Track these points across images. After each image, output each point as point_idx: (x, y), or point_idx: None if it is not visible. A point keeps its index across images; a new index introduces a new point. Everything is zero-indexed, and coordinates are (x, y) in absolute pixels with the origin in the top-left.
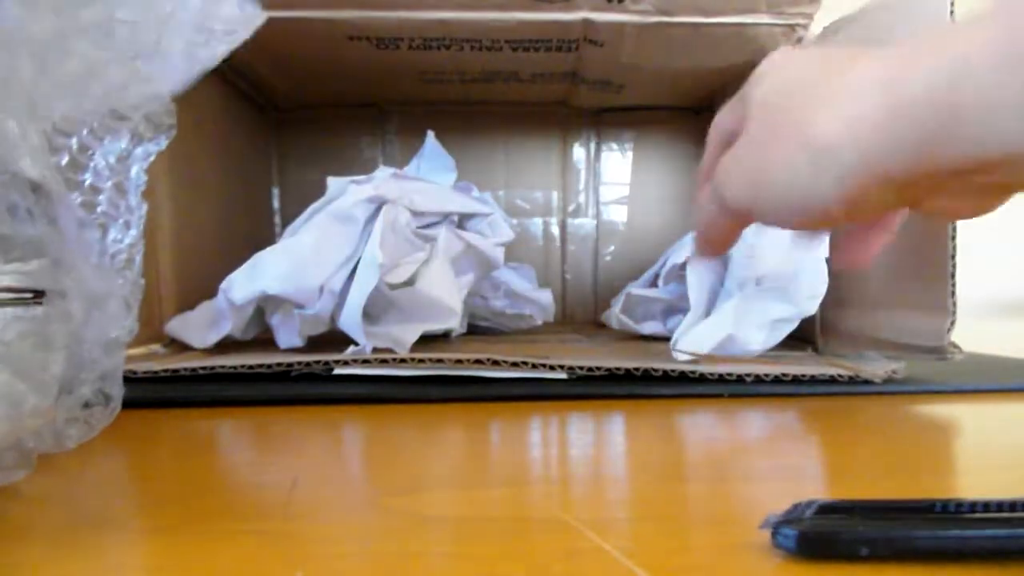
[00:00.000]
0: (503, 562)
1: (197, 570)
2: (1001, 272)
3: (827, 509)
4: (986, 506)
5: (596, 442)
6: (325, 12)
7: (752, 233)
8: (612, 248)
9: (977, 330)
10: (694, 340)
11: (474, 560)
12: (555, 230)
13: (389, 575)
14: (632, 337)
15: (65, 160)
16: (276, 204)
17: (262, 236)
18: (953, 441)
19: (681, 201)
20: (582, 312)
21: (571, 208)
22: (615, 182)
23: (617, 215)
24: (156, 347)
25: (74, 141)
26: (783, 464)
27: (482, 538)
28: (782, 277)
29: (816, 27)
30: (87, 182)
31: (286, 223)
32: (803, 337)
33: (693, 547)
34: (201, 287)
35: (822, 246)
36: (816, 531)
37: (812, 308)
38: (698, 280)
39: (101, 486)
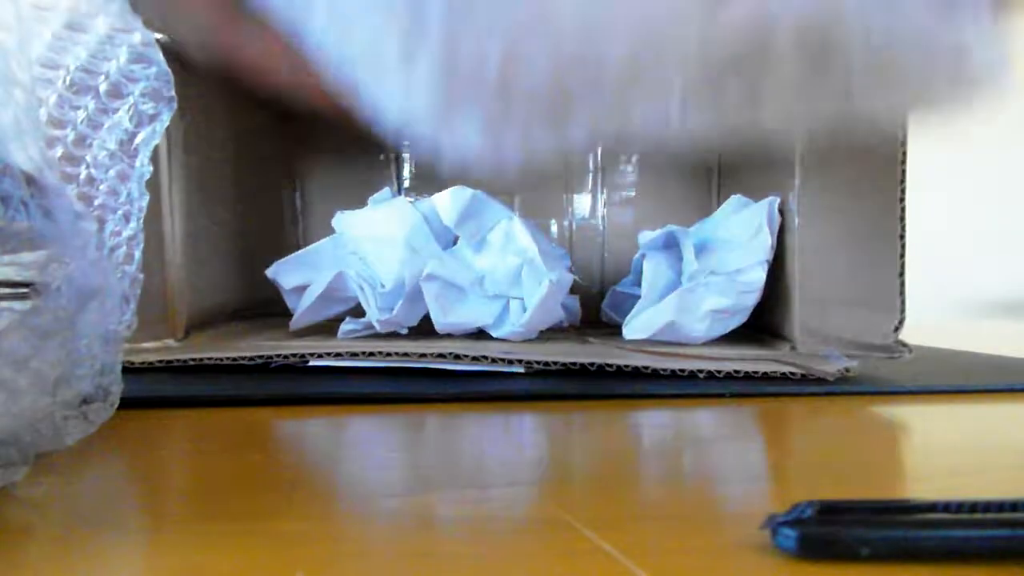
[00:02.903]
0: (503, 562)
1: (197, 570)
2: (1000, 272)
3: (828, 509)
4: (987, 506)
5: (594, 441)
6: None
7: (708, 232)
8: (619, 250)
9: (975, 329)
10: (640, 325)
11: (474, 560)
12: (564, 233)
13: (389, 575)
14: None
15: (60, 152)
16: (299, 205)
17: (284, 235)
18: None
19: (687, 202)
20: (588, 312)
21: (578, 211)
22: (622, 184)
23: (624, 217)
24: (169, 341)
25: (70, 131)
26: (779, 464)
27: (482, 538)
28: (724, 273)
29: None
30: (83, 175)
31: (307, 224)
32: (784, 336)
33: (693, 547)
34: (217, 284)
35: (766, 248)
36: (817, 531)
37: (748, 301)
38: (653, 271)
39: (100, 486)
